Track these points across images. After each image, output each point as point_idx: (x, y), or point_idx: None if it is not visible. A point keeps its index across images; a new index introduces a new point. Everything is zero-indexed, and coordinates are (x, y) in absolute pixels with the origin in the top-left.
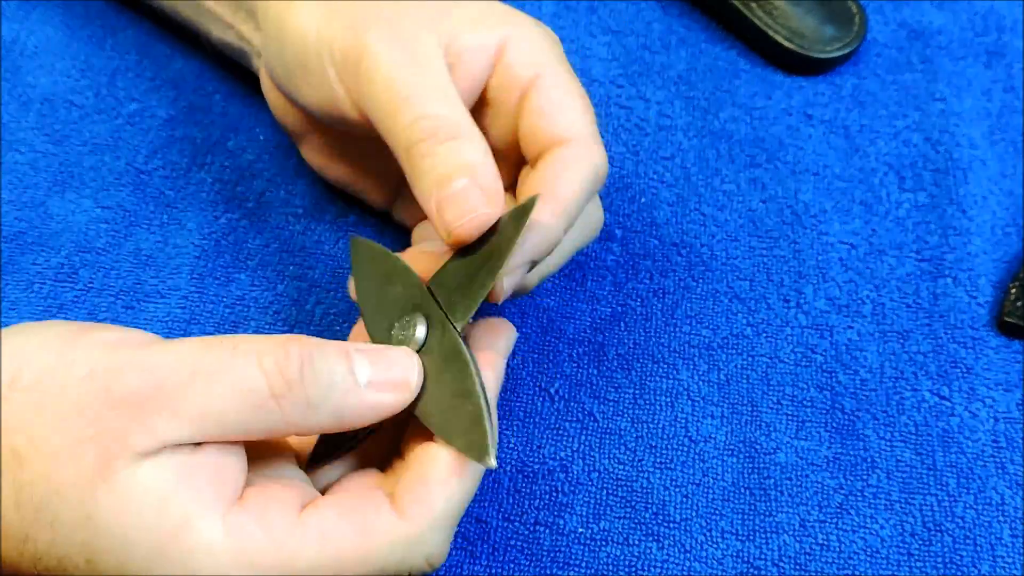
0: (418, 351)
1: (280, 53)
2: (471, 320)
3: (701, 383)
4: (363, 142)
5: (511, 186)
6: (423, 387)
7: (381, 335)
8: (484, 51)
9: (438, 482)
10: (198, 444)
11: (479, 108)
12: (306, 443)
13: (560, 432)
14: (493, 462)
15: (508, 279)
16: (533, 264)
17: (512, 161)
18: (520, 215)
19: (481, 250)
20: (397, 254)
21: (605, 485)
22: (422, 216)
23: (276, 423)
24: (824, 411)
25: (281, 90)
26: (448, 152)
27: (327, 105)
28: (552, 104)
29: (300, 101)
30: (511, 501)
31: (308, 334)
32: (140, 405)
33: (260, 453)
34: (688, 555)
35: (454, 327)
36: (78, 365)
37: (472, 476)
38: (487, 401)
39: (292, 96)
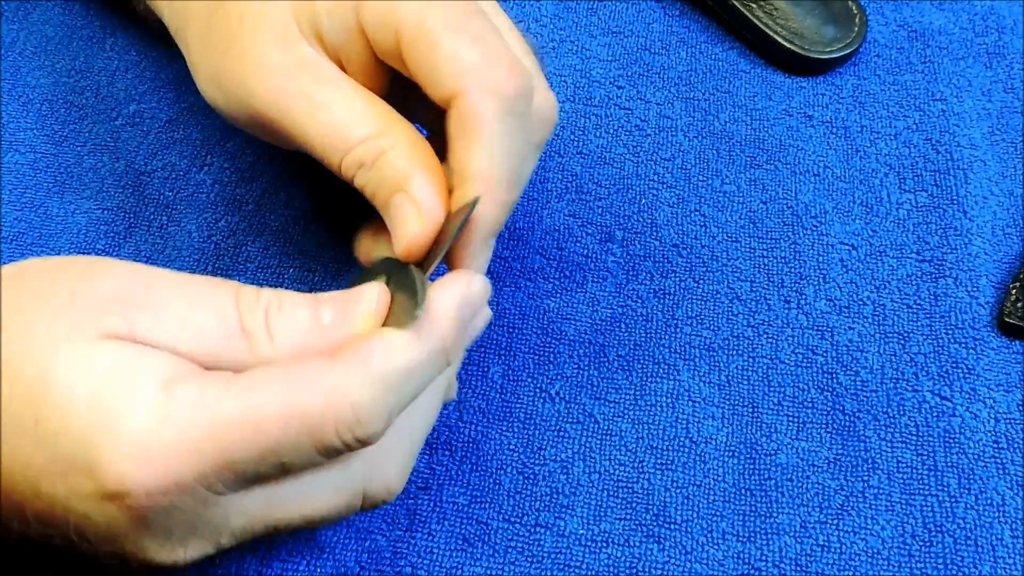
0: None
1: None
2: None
3: (702, 384)
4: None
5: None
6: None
7: None
8: (346, 30)
9: (380, 340)
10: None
11: (384, 68)
12: None
13: (561, 433)
14: (420, 311)
15: (480, 276)
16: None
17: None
18: (460, 215)
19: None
20: None
21: (606, 486)
22: None
23: (240, 356)
24: (825, 412)
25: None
26: (380, 176)
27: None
28: (421, 59)
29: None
30: (511, 503)
31: None
32: (125, 300)
33: None
34: (689, 556)
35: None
36: (78, 263)
37: (422, 351)
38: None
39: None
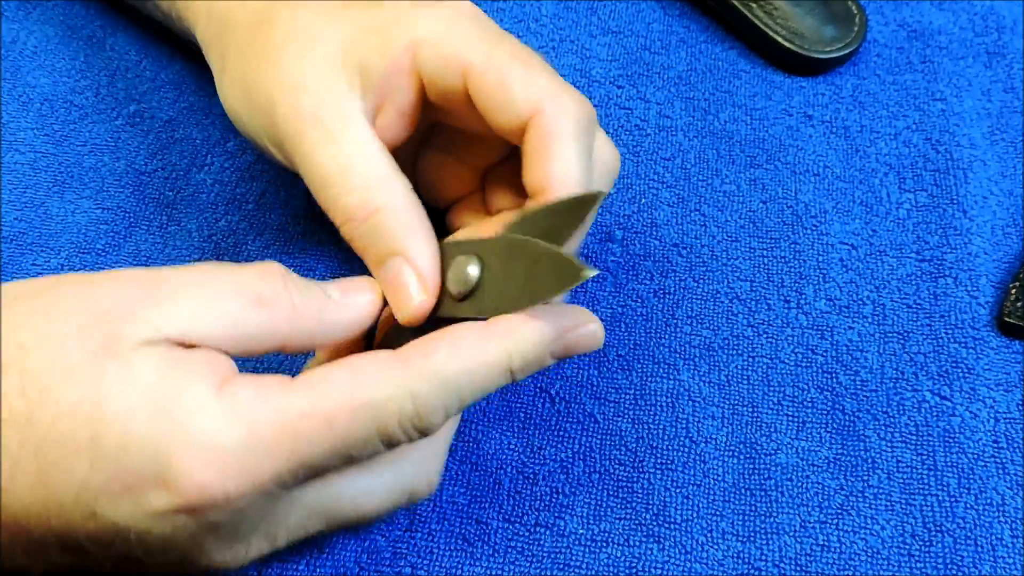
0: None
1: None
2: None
3: (702, 384)
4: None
5: (503, 159)
6: (486, 287)
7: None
8: (397, 72)
9: (448, 343)
10: (192, 346)
11: (430, 111)
12: None
13: (561, 433)
14: (590, 270)
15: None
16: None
17: (496, 139)
18: (581, 207)
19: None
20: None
21: (606, 486)
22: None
23: (265, 326)
24: (825, 412)
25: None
26: (375, 235)
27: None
28: (492, 91)
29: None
30: (511, 502)
31: None
32: (141, 300)
33: None
34: (689, 556)
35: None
36: (79, 277)
37: (491, 361)
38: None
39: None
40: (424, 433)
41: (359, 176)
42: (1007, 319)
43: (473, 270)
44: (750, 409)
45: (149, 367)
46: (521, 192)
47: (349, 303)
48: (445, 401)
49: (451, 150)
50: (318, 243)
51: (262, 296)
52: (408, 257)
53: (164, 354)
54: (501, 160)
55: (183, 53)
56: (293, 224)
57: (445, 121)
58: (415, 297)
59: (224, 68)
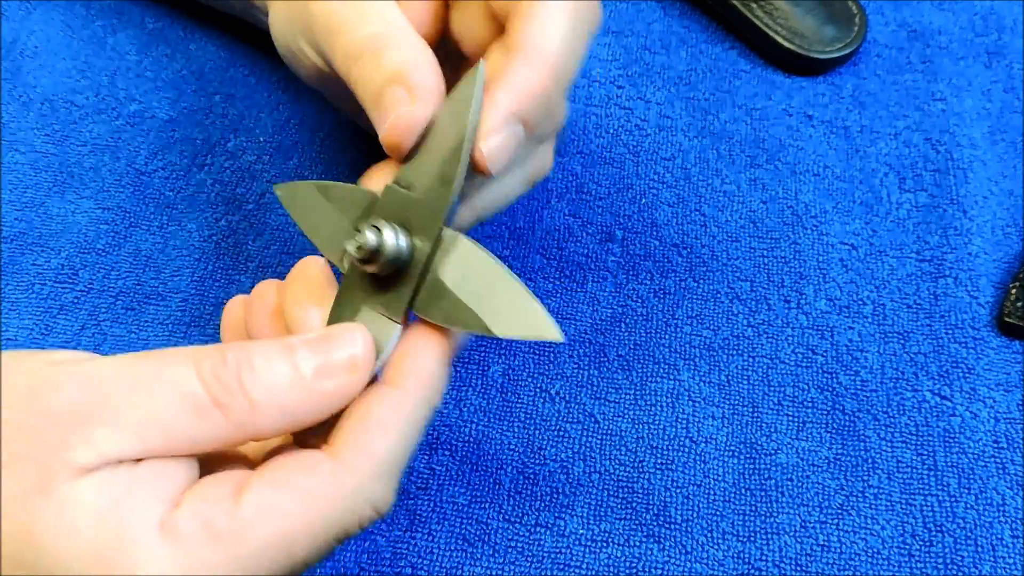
0: (396, 264)
1: (277, 41)
2: (455, 201)
3: (702, 384)
4: None
5: None
6: (441, 289)
7: (337, 257)
8: None
9: (378, 425)
10: (139, 460)
11: (446, 9)
12: (260, 450)
13: (561, 433)
14: (559, 334)
15: (495, 140)
16: (535, 137)
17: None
18: (469, 81)
19: (446, 137)
20: (333, 183)
21: (606, 486)
22: None
23: (223, 431)
24: (825, 412)
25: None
26: (375, 64)
27: (318, 77)
28: None
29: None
30: (511, 503)
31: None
32: (80, 419)
33: (212, 468)
34: (689, 556)
35: (444, 223)
36: (18, 384)
37: (414, 416)
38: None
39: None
40: (381, 516)
41: (380, 16)
42: (1007, 319)
43: (385, 236)
44: (750, 409)
45: (86, 508)
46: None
47: (320, 387)
48: (394, 480)
49: None
50: None
51: (217, 400)
52: (406, 79)
53: (105, 482)
54: None
55: (183, 54)
56: (293, 224)
57: None
58: (402, 106)
59: None
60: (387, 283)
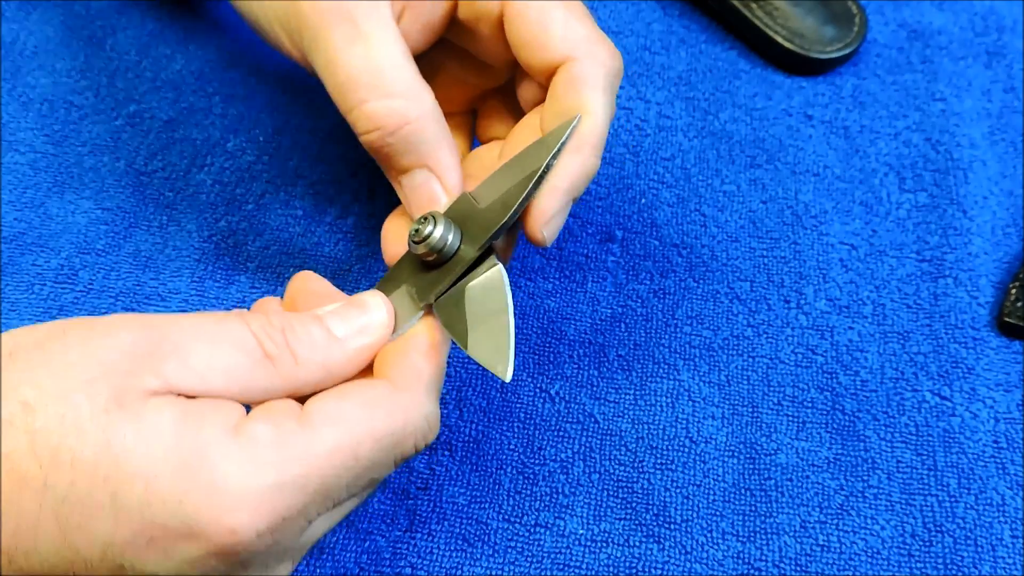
0: (440, 255)
1: (250, 23)
2: (507, 224)
3: (702, 384)
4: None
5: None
6: (459, 299)
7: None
8: None
9: (422, 354)
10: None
11: (456, 32)
12: None
13: (561, 433)
14: (509, 375)
15: (553, 225)
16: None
17: (509, 68)
18: (561, 130)
19: (523, 169)
20: None
21: (606, 486)
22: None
23: (271, 382)
24: (825, 412)
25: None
26: (402, 144)
27: (288, 55)
28: (532, 26)
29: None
30: (511, 502)
31: None
32: (147, 354)
33: None
34: (689, 556)
35: (491, 242)
36: (80, 326)
37: (444, 349)
38: (512, 319)
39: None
40: (433, 431)
41: (390, 83)
42: (1007, 319)
43: (440, 231)
44: (750, 409)
45: (163, 419)
46: (511, 123)
47: (352, 344)
48: (437, 401)
49: (451, 68)
50: (317, 244)
51: (267, 352)
52: (436, 170)
53: (175, 405)
54: (496, 88)
55: (183, 54)
56: (293, 224)
57: (457, 41)
58: (440, 198)
59: None
60: (429, 272)
